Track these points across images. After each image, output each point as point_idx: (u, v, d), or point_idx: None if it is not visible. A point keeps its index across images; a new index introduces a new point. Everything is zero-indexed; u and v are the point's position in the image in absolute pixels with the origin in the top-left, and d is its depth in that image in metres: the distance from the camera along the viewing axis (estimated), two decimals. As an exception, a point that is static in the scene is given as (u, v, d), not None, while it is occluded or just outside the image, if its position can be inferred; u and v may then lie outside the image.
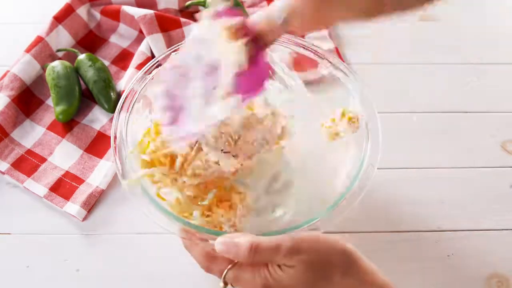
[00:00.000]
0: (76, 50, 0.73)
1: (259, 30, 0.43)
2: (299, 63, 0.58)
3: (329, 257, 0.39)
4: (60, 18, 0.74)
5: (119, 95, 0.68)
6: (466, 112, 0.70)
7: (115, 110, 0.52)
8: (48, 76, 0.68)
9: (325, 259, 0.39)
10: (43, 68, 0.70)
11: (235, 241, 0.39)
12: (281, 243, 0.38)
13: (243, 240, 0.39)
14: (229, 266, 0.41)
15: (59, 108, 0.65)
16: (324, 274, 0.38)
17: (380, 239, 0.57)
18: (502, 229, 0.58)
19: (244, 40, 0.43)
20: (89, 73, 0.68)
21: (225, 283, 0.41)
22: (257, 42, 0.43)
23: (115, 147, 0.49)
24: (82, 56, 0.70)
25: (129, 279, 0.54)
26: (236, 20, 0.43)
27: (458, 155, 0.65)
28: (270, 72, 0.48)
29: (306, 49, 0.57)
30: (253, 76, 0.44)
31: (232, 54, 0.43)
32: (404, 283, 0.54)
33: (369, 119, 0.51)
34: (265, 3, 0.82)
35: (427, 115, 0.69)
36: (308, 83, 0.58)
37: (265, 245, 0.39)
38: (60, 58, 0.73)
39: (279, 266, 0.39)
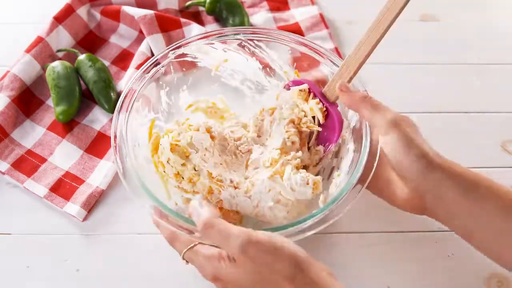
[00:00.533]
0: (76, 51, 0.73)
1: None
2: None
3: (274, 265, 0.39)
4: (60, 18, 0.74)
5: (119, 95, 0.68)
6: (466, 112, 0.70)
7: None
8: (48, 76, 0.68)
9: (270, 267, 0.39)
10: (43, 69, 0.70)
11: (200, 211, 0.42)
12: (233, 235, 0.40)
13: (205, 215, 0.42)
14: (188, 248, 0.44)
15: (59, 109, 0.65)
16: (270, 279, 0.39)
17: (380, 239, 0.57)
18: (502, 229, 0.58)
19: (317, 99, 0.54)
20: (89, 74, 0.68)
21: (186, 261, 0.45)
22: (324, 99, 0.54)
23: (115, 146, 0.49)
24: (82, 57, 0.70)
25: (129, 279, 0.54)
26: (304, 85, 0.55)
27: (458, 155, 0.65)
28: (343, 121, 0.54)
29: (308, 47, 0.57)
30: (329, 126, 0.54)
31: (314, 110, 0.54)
32: (404, 283, 0.54)
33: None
34: (265, 3, 0.82)
35: (427, 115, 0.69)
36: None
37: (217, 228, 0.41)
38: (60, 59, 0.73)
39: (229, 260, 0.41)
